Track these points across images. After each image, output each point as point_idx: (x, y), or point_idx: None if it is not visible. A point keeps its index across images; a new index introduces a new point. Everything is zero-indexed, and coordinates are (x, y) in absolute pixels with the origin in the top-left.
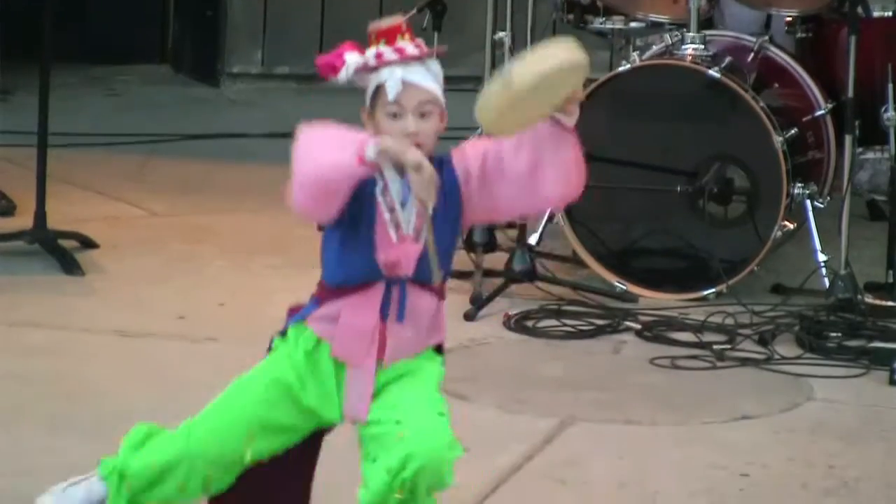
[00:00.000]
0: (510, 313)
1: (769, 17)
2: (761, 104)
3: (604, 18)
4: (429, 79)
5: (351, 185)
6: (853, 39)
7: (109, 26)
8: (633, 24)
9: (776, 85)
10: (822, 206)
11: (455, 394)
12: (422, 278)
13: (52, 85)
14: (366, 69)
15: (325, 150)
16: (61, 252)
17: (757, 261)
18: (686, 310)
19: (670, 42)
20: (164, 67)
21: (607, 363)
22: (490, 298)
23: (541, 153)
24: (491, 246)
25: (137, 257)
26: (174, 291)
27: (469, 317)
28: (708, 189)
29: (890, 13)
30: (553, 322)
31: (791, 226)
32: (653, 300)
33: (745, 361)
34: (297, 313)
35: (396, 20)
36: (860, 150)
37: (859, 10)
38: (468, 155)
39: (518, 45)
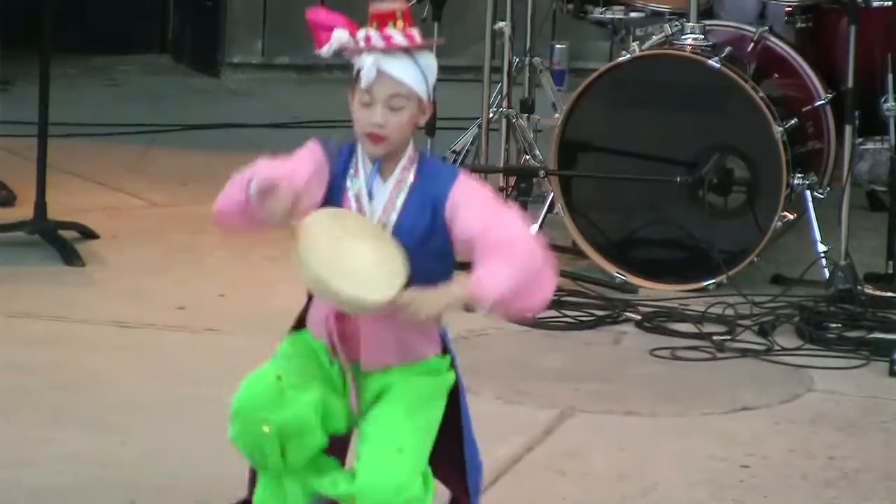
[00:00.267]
0: None
1: (768, 6)
2: (761, 94)
3: (604, 8)
4: (409, 71)
5: (251, 216)
6: (853, 29)
7: (110, 16)
8: (632, 14)
9: (776, 75)
10: (821, 196)
11: None
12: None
13: (52, 75)
14: (351, 50)
15: (233, 188)
16: (61, 242)
17: (757, 251)
18: (686, 300)
19: (670, 32)
20: (165, 58)
21: (607, 354)
22: None
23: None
24: None
25: (137, 248)
26: (174, 282)
27: (469, 308)
28: (708, 179)
29: (890, 2)
30: (553, 313)
31: (791, 216)
32: (653, 291)
33: (745, 352)
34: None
35: (395, 5)
36: (860, 140)
37: None
38: (460, 212)
39: (518, 35)
